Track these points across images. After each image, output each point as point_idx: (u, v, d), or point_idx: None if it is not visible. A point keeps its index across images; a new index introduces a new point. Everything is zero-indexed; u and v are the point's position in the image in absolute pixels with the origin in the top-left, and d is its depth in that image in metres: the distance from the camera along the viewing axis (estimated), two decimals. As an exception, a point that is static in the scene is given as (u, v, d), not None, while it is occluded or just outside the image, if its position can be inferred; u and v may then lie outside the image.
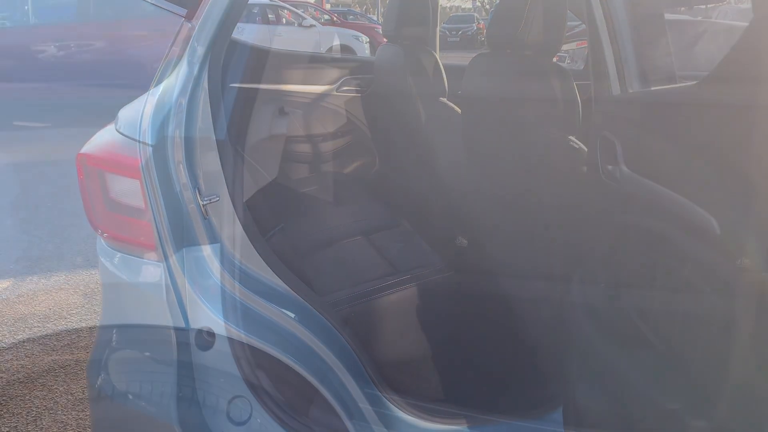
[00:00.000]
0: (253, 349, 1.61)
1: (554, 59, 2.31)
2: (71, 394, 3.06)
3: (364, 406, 1.72)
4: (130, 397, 1.76)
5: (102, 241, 1.83)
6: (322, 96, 2.21)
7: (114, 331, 1.84)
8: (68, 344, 3.49)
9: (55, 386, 3.13)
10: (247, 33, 11.54)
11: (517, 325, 2.82)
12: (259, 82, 1.72)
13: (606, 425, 1.82)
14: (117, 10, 9.03)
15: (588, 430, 1.68)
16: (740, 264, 2.72)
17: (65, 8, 9.55)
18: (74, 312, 3.84)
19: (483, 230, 2.93)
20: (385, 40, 2.98)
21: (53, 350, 3.44)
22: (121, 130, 1.71)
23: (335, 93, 2.35)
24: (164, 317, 1.63)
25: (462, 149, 2.66)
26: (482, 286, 3.09)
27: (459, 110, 2.66)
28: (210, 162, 1.60)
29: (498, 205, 2.81)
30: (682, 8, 5.10)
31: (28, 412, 2.95)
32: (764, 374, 1.68)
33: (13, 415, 2.91)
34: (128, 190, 1.63)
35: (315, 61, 2.66)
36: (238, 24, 1.72)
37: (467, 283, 3.10)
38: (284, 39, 13.07)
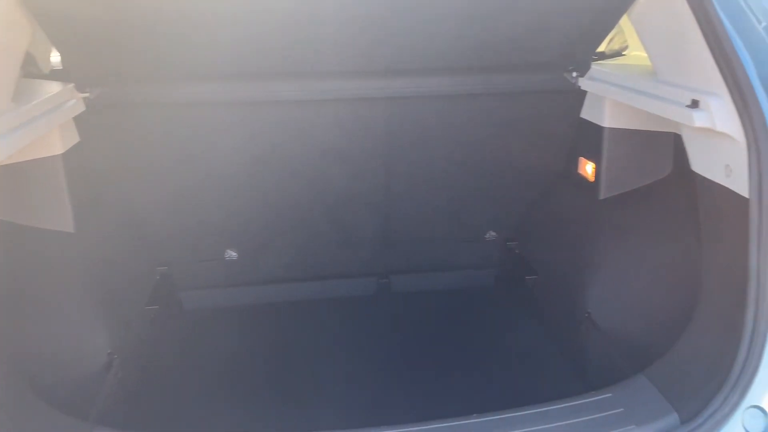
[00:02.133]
0: None
1: None
2: None
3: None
4: None
5: None
6: (42, 114, 1.89)
7: None
8: None
9: None
10: None
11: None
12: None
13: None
14: None
15: None
16: (488, 236, 3.05)
17: None
18: None
19: (256, 241, 2.82)
20: None
21: None
22: None
23: (60, 110, 2.04)
24: None
25: (232, 158, 2.52)
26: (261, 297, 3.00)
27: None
28: None
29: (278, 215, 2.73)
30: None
31: None
32: None
33: None
34: None
35: (30, 74, 2.31)
36: None
37: (243, 296, 2.99)
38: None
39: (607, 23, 2.19)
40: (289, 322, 2.86)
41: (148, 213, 2.62)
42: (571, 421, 1.60)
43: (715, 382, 1.59)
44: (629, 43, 2.60)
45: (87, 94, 2.19)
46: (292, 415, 2.26)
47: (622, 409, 1.63)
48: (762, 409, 1.56)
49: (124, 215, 2.54)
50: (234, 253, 2.87)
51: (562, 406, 1.67)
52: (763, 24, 1.75)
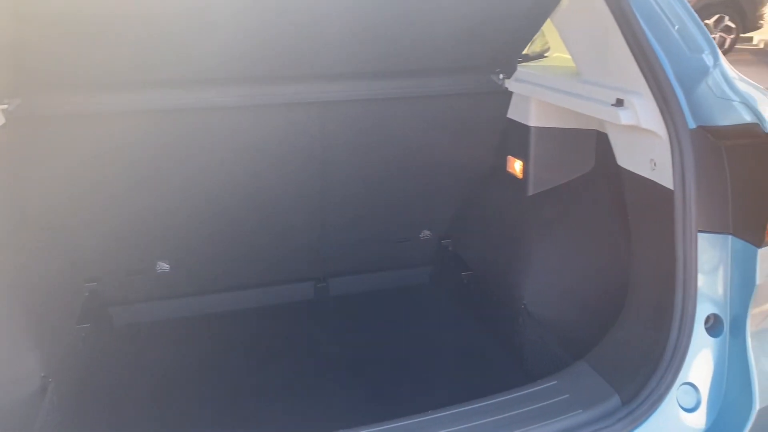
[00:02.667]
0: None
1: None
2: None
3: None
4: None
5: None
6: None
7: None
8: None
9: None
10: None
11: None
12: None
13: None
14: None
15: None
16: (423, 236, 3.11)
17: None
18: None
19: (189, 252, 2.75)
20: None
21: None
22: None
23: None
24: None
25: (161, 167, 2.44)
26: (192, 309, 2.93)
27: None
28: None
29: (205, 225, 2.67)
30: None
31: None
32: None
33: None
34: None
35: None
36: None
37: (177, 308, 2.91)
38: None
39: (532, 27, 2.28)
40: (227, 332, 2.81)
41: (74, 227, 2.51)
42: (522, 410, 1.66)
43: (651, 363, 1.69)
44: (550, 45, 2.72)
45: (5, 106, 2.07)
46: (236, 428, 2.23)
47: (567, 395, 1.72)
48: (693, 386, 1.69)
49: (49, 230, 2.42)
50: (166, 265, 2.79)
51: (512, 396, 1.74)
52: (677, 27, 1.89)
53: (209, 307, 2.92)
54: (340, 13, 2.03)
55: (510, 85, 2.49)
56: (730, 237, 1.70)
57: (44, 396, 1.98)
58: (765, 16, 12.49)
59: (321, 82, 2.32)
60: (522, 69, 2.46)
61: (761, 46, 12.93)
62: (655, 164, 1.79)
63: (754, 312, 1.70)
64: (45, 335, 2.13)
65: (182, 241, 2.71)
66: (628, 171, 1.92)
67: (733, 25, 12.08)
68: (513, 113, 2.58)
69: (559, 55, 2.65)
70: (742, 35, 12.34)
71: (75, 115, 2.20)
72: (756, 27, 12.46)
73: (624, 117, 1.81)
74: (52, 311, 2.30)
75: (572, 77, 2.18)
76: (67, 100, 2.16)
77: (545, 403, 1.69)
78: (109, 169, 2.38)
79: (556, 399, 1.70)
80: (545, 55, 2.71)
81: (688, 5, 1.95)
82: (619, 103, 1.85)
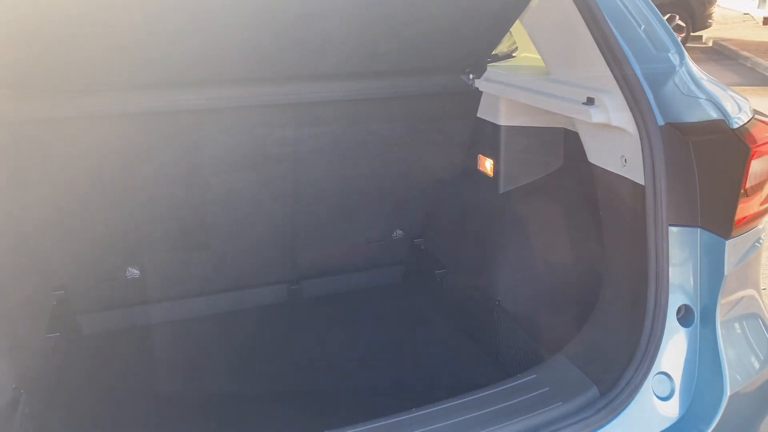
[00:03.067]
0: None
1: None
2: None
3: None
4: None
5: None
6: None
7: None
8: None
9: None
10: None
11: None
12: None
13: None
14: None
15: None
16: (395, 235, 3.12)
17: None
18: None
19: (160, 257, 2.71)
20: None
21: None
22: None
23: None
24: None
25: (129, 170, 2.39)
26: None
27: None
28: None
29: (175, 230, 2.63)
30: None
31: None
32: None
33: None
34: None
35: None
36: None
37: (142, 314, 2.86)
38: None
39: (502, 27, 2.32)
40: (200, 337, 2.78)
41: (39, 234, 2.44)
42: (503, 404, 1.69)
43: (626, 354, 1.74)
44: (518, 44, 2.76)
45: None
46: None
47: (547, 389, 1.75)
48: (668, 375, 1.74)
49: (12, 237, 2.36)
50: (136, 271, 2.74)
51: (493, 391, 1.76)
52: (642, 26, 1.94)
53: (181, 313, 2.88)
54: (312, 16, 2.02)
55: (480, 84, 2.52)
56: (699, 230, 1.75)
57: (17, 408, 1.93)
58: (713, 15, 12.93)
59: (294, 84, 2.31)
60: (492, 69, 2.50)
61: (710, 44, 13.36)
62: (625, 161, 1.84)
63: (722, 302, 1.76)
64: (14, 346, 2.08)
65: (152, 245, 2.67)
66: (600, 168, 1.96)
67: (683, 24, 12.45)
68: (483, 113, 2.61)
69: (527, 54, 2.70)
70: (692, 34, 12.73)
71: (40, 120, 2.15)
72: (705, 26, 12.88)
73: (595, 115, 1.85)
74: (20, 321, 2.24)
75: (542, 76, 2.22)
76: (32, 105, 2.10)
77: (526, 396, 1.72)
78: (76, 175, 2.33)
79: (536, 392, 1.73)
80: (513, 54, 2.75)
81: (653, 5, 2.01)
82: (590, 101, 1.89)
